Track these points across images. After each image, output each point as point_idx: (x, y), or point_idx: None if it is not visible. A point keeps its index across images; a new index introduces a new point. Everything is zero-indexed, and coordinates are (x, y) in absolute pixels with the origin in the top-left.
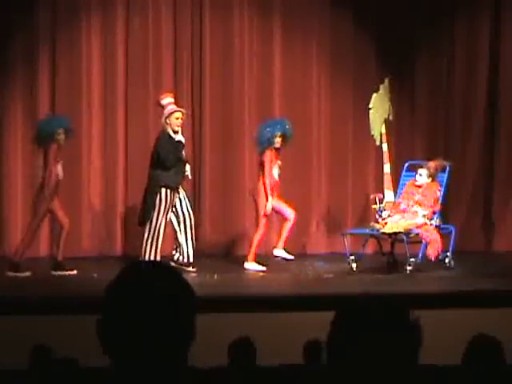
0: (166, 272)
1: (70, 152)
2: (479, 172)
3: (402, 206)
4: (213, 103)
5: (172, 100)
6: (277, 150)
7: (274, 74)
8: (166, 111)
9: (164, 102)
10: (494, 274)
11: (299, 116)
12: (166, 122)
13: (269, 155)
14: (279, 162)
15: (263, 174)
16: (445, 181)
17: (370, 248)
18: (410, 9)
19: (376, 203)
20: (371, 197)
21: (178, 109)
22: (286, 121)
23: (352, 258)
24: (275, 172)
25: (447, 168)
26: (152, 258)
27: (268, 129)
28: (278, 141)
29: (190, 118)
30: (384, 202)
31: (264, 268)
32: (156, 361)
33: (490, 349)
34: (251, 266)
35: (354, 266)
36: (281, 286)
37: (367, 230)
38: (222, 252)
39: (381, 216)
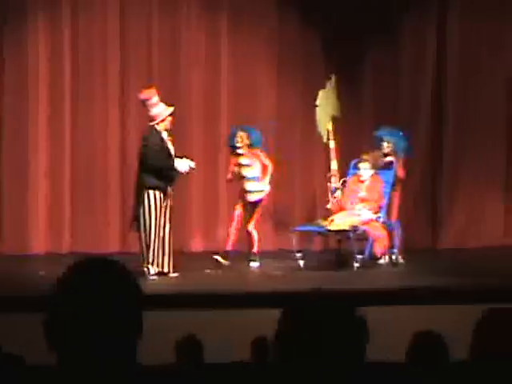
0: (112, 269)
1: (16, 151)
2: (426, 169)
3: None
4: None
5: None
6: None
7: (221, 72)
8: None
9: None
10: (441, 271)
11: (246, 113)
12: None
13: None
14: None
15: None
16: (392, 178)
17: (317, 245)
18: (357, 6)
19: (330, 182)
20: (327, 175)
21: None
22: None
23: (299, 255)
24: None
25: (393, 165)
26: (152, 265)
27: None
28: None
29: (137, 117)
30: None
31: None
32: (103, 358)
33: (431, 345)
34: None
35: (301, 263)
36: (228, 283)
37: (314, 228)
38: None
39: (333, 194)
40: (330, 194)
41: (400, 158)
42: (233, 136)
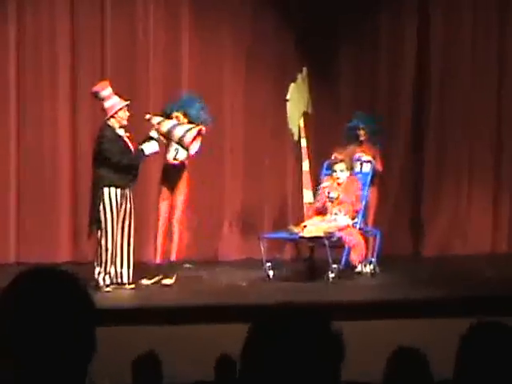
0: (61, 280)
1: None
2: (407, 169)
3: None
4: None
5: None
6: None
7: (182, 66)
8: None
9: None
10: (423, 281)
11: (211, 111)
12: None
13: None
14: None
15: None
16: (368, 179)
17: (288, 253)
18: (334, 1)
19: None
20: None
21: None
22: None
23: (268, 264)
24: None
25: (371, 164)
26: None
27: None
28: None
29: (89, 115)
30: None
31: None
32: (51, 378)
33: (412, 363)
34: None
35: (270, 273)
36: (190, 295)
37: (285, 234)
38: None
39: (328, 197)
40: (324, 196)
41: (377, 148)
42: (167, 116)
